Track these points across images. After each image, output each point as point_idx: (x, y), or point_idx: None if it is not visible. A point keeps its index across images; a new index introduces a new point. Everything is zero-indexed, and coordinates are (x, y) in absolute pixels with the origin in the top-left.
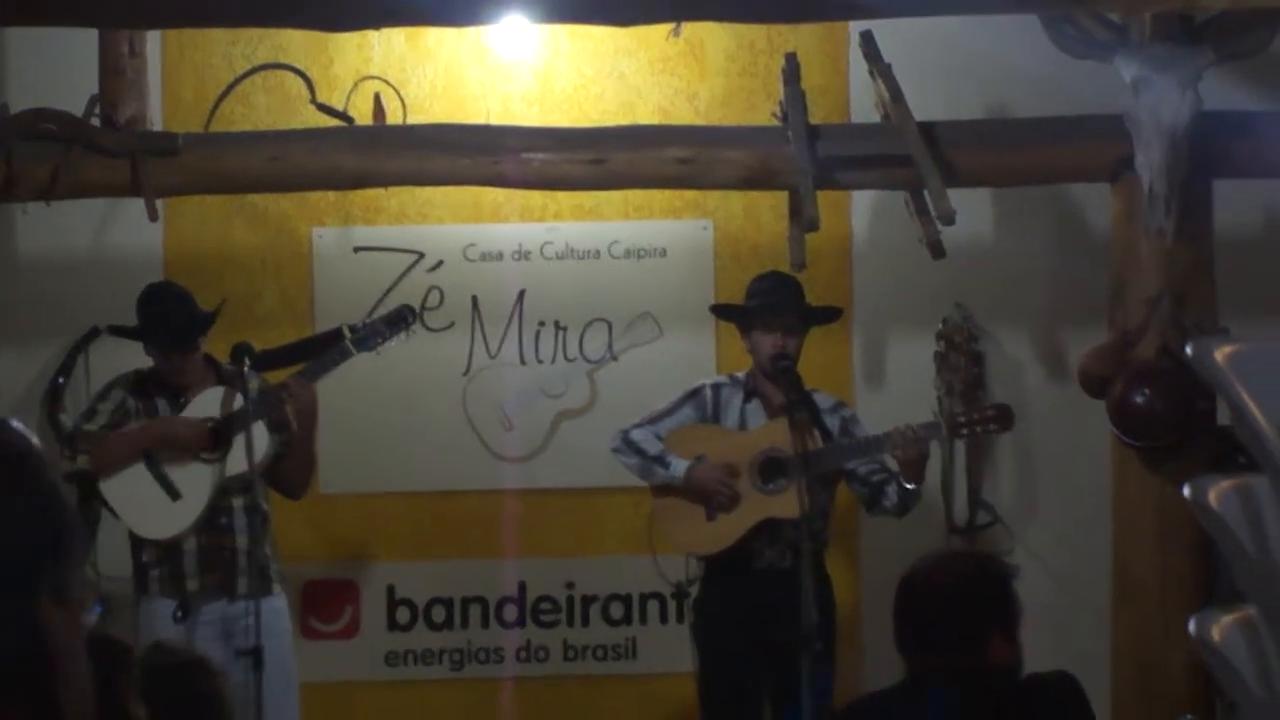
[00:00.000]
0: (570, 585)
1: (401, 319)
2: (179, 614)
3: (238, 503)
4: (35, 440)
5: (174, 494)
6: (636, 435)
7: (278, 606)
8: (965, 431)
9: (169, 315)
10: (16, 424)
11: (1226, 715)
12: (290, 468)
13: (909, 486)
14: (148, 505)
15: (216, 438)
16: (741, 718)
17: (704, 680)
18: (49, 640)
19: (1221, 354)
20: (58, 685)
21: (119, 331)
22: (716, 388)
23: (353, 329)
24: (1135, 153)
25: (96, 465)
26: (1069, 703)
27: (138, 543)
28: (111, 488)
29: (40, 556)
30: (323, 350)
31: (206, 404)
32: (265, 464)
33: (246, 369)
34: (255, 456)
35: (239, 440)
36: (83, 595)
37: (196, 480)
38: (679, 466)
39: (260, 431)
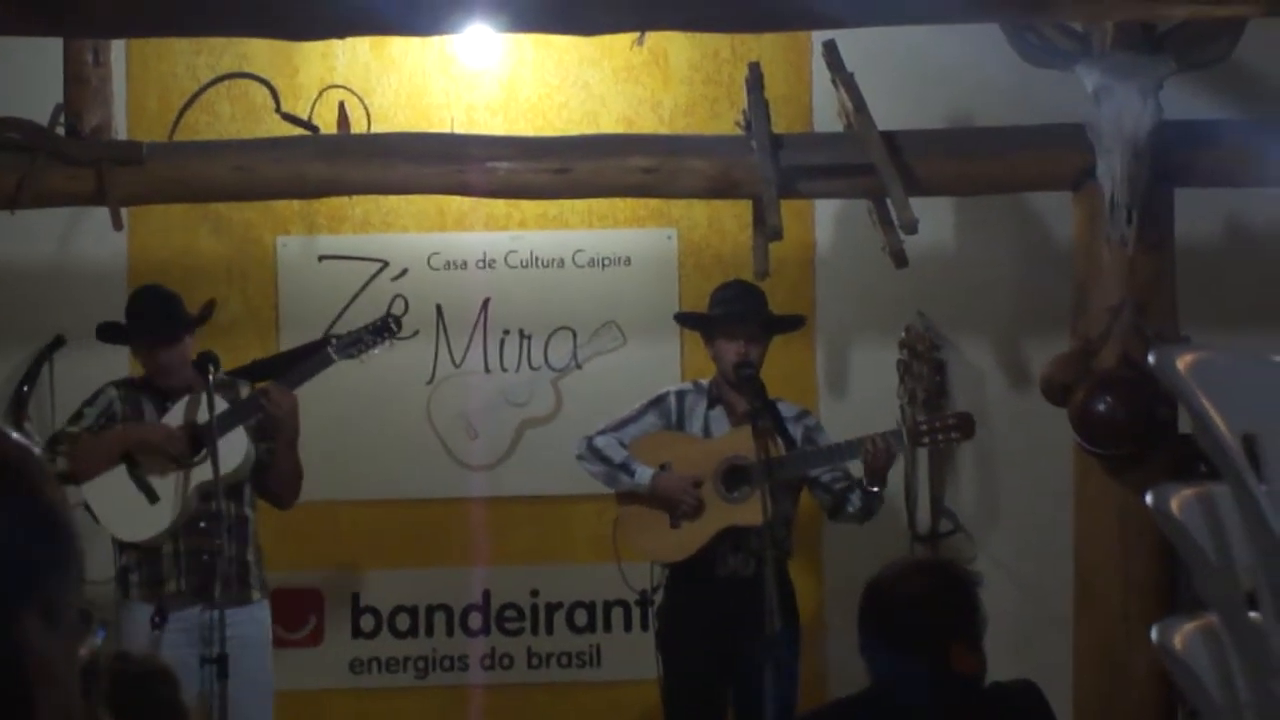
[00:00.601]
0: (535, 593)
1: (385, 327)
2: (156, 620)
3: (218, 507)
4: (37, 451)
5: (152, 497)
6: (601, 442)
7: (258, 615)
8: (927, 439)
9: (153, 311)
10: (16, 434)
11: None
12: (275, 477)
13: (873, 489)
14: (126, 508)
15: (195, 442)
16: None
17: (668, 688)
18: (31, 661)
19: (1183, 362)
20: (38, 711)
21: (106, 330)
22: (681, 395)
23: (337, 336)
24: (1097, 161)
25: (73, 467)
26: (1032, 711)
27: (119, 546)
28: (92, 490)
29: (32, 571)
30: (306, 358)
31: (190, 410)
32: (247, 470)
33: (212, 377)
34: (235, 461)
35: (221, 443)
36: (82, 619)
37: (175, 484)
38: (644, 474)
39: (240, 437)
